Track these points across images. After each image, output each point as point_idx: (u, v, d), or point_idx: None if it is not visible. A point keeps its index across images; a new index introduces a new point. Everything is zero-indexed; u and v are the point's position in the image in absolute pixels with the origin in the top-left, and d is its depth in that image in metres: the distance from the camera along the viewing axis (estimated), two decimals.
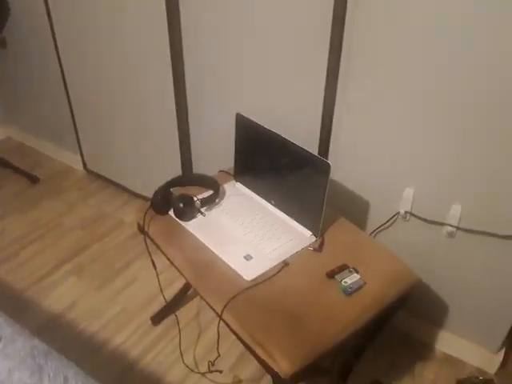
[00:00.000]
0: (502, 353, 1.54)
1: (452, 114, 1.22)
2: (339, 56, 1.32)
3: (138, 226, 1.41)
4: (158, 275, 1.44)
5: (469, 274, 1.43)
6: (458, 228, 1.36)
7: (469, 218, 1.33)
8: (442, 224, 1.38)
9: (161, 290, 1.53)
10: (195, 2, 1.53)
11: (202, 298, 1.22)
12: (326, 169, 1.19)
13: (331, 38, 1.30)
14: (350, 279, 1.17)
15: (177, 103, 1.79)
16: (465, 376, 1.54)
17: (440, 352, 1.63)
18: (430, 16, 1.14)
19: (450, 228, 1.36)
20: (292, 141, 1.26)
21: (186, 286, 1.74)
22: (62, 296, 1.82)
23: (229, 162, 1.52)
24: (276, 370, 1.02)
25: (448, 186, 1.32)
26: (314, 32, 1.33)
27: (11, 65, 2.39)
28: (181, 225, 1.34)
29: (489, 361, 1.55)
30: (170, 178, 1.43)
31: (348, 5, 1.24)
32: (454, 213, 1.33)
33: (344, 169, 1.49)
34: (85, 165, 2.44)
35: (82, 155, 2.41)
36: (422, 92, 1.24)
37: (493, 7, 1.05)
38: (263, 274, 1.19)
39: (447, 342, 1.61)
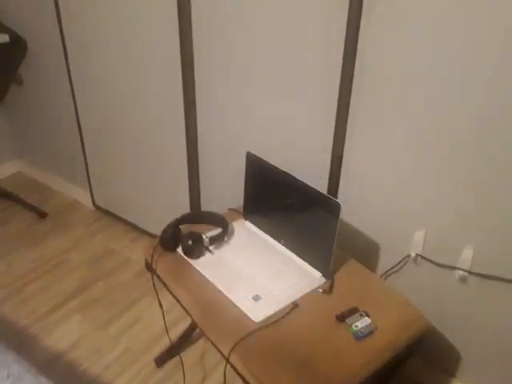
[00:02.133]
0: None
1: (465, 155, 1.23)
2: (349, 96, 1.35)
3: (146, 263, 1.41)
4: (163, 315, 1.42)
5: (482, 321, 1.40)
6: (469, 272, 1.34)
7: (481, 262, 1.32)
8: (453, 268, 1.37)
9: (166, 330, 1.51)
10: (207, 43, 1.59)
11: (208, 339, 1.20)
12: (337, 209, 1.20)
13: (341, 76, 1.34)
14: (361, 323, 1.15)
15: (188, 142, 1.83)
16: None
17: None
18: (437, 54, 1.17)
19: (461, 272, 1.35)
20: (302, 180, 1.28)
21: (192, 327, 1.72)
22: (64, 334, 1.79)
23: (238, 200, 1.53)
24: None
25: (460, 229, 1.32)
26: (325, 70, 1.37)
27: (26, 101, 2.47)
28: (189, 263, 1.34)
29: None
30: (178, 215, 1.44)
31: (358, 49, 1.28)
32: (466, 256, 1.32)
33: (354, 210, 1.49)
34: (93, 201, 2.46)
35: (91, 191, 2.44)
36: (435, 133, 1.25)
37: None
38: (272, 316, 1.17)
39: None
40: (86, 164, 2.35)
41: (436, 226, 1.36)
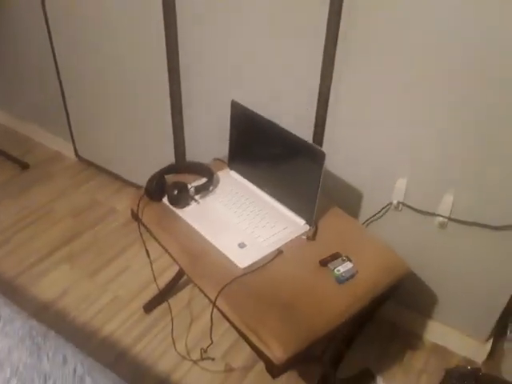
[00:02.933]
0: (490, 342, 1.57)
1: (443, 103, 1.24)
2: (335, 43, 1.32)
3: (132, 212, 1.41)
4: (151, 263, 1.44)
5: (459, 265, 1.45)
6: (449, 219, 1.38)
7: (460, 209, 1.35)
8: (433, 214, 1.40)
9: (154, 278, 1.54)
10: None
11: (195, 285, 1.23)
12: (321, 157, 1.20)
13: (327, 25, 1.30)
14: (343, 267, 1.19)
15: (171, 90, 1.79)
16: (453, 365, 1.57)
17: (429, 342, 1.66)
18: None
19: (441, 219, 1.39)
20: (287, 129, 1.27)
21: (179, 274, 1.75)
22: (53, 284, 1.82)
23: (223, 150, 1.52)
24: (269, 356, 1.04)
25: (440, 177, 1.34)
26: (311, 20, 1.34)
27: (2, 49, 2.36)
28: (175, 212, 1.34)
29: (477, 350, 1.59)
30: (163, 165, 1.43)
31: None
32: (446, 203, 1.35)
33: (338, 158, 1.50)
34: (76, 152, 2.42)
35: (73, 142, 2.39)
36: (418, 81, 1.25)
37: None
38: (257, 262, 1.20)
39: (436, 332, 1.64)
40: (68, 114, 2.29)
41: (417, 174, 1.38)
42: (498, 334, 1.56)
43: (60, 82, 2.19)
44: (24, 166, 2.40)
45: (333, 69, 1.37)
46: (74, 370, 0.87)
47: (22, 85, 2.43)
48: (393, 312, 1.66)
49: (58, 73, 2.16)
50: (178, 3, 1.57)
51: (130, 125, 2.06)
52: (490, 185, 1.27)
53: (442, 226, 1.41)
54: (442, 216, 1.38)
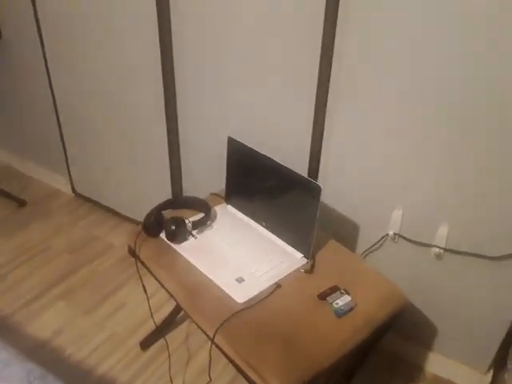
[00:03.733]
0: (490, 373, 1.55)
1: (438, 137, 1.27)
2: (328, 80, 1.36)
3: (129, 248, 1.41)
4: (148, 299, 1.43)
5: (456, 295, 1.45)
6: (445, 249, 1.39)
7: (456, 240, 1.36)
8: (429, 245, 1.41)
9: (151, 314, 1.53)
10: (185, 28, 1.57)
11: (193, 321, 1.22)
12: (317, 191, 1.22)
13: (320, 65, 1.35)
14: (342, 301, 1.18)
15: (168, 127, 1.82)
16: None
17: (430, 373, 1.64)
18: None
19: (437, 249, 1.39)
20: (283, 164, 1.29)
21: (176, 310, 1.74)
22: (49, 321, 1.79)
23: (220, 185, 1.54)
24: None
25: (435, 208, 1.36)
26: (304, 57, 1.38)
27: (0, 87, 2.40)
28: (172, 247, 1.35)
29: (478, 382, 1.57)
30: (160, 201, 1.44)
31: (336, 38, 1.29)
32: (441, 234, 1.36)
33: (334, 191, 1.52)
34: (73, 188, 2.43)
35: (70, 178, 2.41)
36: (410, 116, 1.28)
37: None
38: (255, 297, 1.20)
39: (437, 364, 1.62)
40: (65, 150, 2.31)
41: (413, 206, 1.40)
42: (499, 364, 1.54)
43: (58, 119, 2.22)
44: (21, 203, 2.40)
45: (325, 108, 1.40)
46: None
47: (19, 122, 2.46)
48: (394, 343, 1.65)
49: (56, 110, 2.20)
50: (175, 42, 1.62)
51: (127, 160, 2.08)
52: (484, 216, 1.29)
53: (438, 256, 1.41)
54: (437, 247, 1.39)
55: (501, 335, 1.44)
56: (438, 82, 1.20)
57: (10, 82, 2.33)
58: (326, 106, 1.40)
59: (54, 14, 1.90)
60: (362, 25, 1.24)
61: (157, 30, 1.62)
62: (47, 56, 2.05)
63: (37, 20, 1.97)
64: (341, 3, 1.24)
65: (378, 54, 1.25)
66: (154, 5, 1.57)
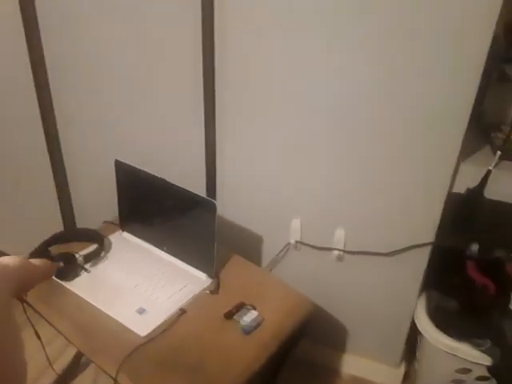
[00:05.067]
0: (403, 366, 1.65)
1: (323, 146, 1.34)
2: (213, 91, 1.38)
3: None
4: (43, 347, 1.33)
5: (360, 294, 1.53)
6: (344, 251, 1.46)
7: (353, 241, 1.44)
8: (329, 249, 1.48)
9: (49, 362, 1.42)
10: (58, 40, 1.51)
11: (94, 363, 1.16)
12: (212, 208, 1.22)
13: (203, 72, 1.36)
14: (248, 317, 1.19)
15: (50, 152, 1.71)
16: None
17: (347, 375, 1.71)
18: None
19: (336, 252, 1.46)
20: (175, 183, 1.28)
21: (79, 353, 1.63)
22: None
23: (115, 211, 1.48)
24: None
25: (329, 213, 1.43)
26: (188, 66, 1.39)
27: None
28: (64, 286, 1.27)
29: (392, 375, 1.66)
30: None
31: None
32: (339, 237, 1.44)
33: (233, 206, 1.53)
34: None
35: None
36: (299, 123, 1.34)
37: None
38: (159, 326, 1.16)
39: (351, 364, 1.69)
40: None
41: (309, 213, 1.46)
42: (409, 356, 1.65)
43: None
44: None
45: (215, 118, 1.42)
46: None
47: None
48: (308, 351, 1.69)
49: None
50: (46, 51, 1.55)
51: (8, 192, 1.94)
52: (372, 216, 1.38)
53: (339, 258, 1.48)
54: (337, 249, 1.46)
55: (405, 327, 1.54)
56: (315, 94, 1.27)
57: None
58: (214, 120, 1.42)
59: None
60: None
61: (27, 54, 1.53)
62: None
63: None
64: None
65: (259, 71, 1.30)
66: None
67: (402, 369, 1.66)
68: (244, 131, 1.41)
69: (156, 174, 1.31)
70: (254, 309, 1.22)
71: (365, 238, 1.42)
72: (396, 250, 1.39)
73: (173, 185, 1.29)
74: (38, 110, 1.63)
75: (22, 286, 0.33)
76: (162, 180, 1.30)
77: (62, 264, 1.25)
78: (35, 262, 0.36)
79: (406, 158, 1.27)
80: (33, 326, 1.27)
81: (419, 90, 1.17)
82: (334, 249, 1.46)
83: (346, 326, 1.62)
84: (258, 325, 1.19)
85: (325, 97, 1.27)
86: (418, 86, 1.17)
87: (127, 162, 1.37)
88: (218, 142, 1.46)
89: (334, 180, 1.37)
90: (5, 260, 0.33)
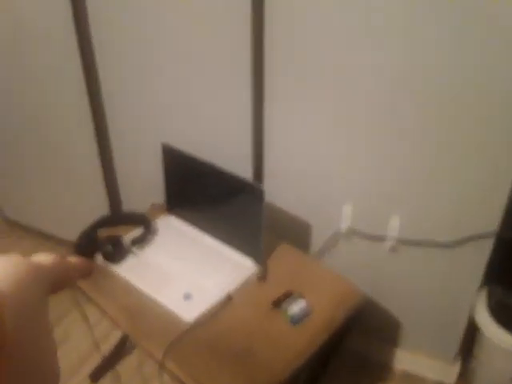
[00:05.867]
0: (458, 363, 1.59)
1: (382, 128, 1.28)
2: (262, 76, 1.35)
3: None
4: (91, 329, 1.37)
5: (414, 286, 1.47)
6: (398, 240, 1.40)
7: (408, 229, 1.38)
8: (382, 237, 1.42)
9: (96, 344, 1.46)
10: (108, 37, 1.52)
11: (140, 346, 1.17)
12: (260, 195, 1.20)
13: (253, 60, 1.33)
14: (297, 306, 1.17)
15: (97, 135, 1.74)
16: None
17: (398, 370, 1.66)
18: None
19: (390, 240, 1.41)
20: (223, 168, 1.26)
21: (125, 337, 1.67)
22: None
23: (161, 195, 1.49)
24: None
25: (384, 199, 1.37)
26: (236, 55, 1.36)
27: None
28: (111, 269, 1.28)
29: (447, 372, 1.59)
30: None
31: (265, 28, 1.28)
32: (393, 225, 1.38)
33: (281, 191, 1.50)
34: (2, 213, 2.30)
35: None
36: (351, 108, 1.29)
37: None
38: (206, 312, 1.16)
39: (404, 359, 1.64)
40: None
41: (362, 199, 1.41)
42: (466, 353, 1.58)
43: None
44: None
45: (262, 102, 1.39)
46: None
47: None
48: (358, 343, 1.65)
49: None
50: (99, 52, 1.56)
51: (58, 177, 1.99)
52: (433, 203, 1.31)
53: (393, 248, 1.43)
54: (391, 238, 1.40)
55: (463, 322, 1.47)
56: (375, 77, 1.21)
57: None
58: (263, 99, 1.39)
59: None
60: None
61: (76, 41, 1.55)
62: None
63: None
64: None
65: (313, 55, 1.25)
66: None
67: (458, 366, 1.59)
68: (293, 116, 1.37)
69: (204, 159, 1.30)
70: (303, 298, 1.19)
71: (421, 227, 1.35)
72: (455, 241, 1.32)
73: (220, 169, 1.27)
74: (86, 97, 1.65)
75: (57, 285, 0.33)
76: (210, 164, 1.29)
77: (109, 247, 1.26)
78: (72, 260, 0.35)
79: (470, 142, 1.20)
80: (82, 309, 1.30)
81: (494, 73, 1.09)
82: (388, 237, 1.41)
83: (398, 319, 1.57)
84: (307, 314, 1.16)
85: (380, 80, 1.21)
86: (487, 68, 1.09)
87: (174, 146, 1.37)
88: (265, 127, 1.43)
89: (391, 163, 1.31)
90: (39, 258, 0.32)
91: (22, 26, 1.66)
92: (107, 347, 1.66)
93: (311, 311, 1.17)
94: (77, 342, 1.75)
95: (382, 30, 1.15)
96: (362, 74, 1.23)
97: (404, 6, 1.11)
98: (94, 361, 1.66)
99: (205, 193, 1.37)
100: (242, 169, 1.50)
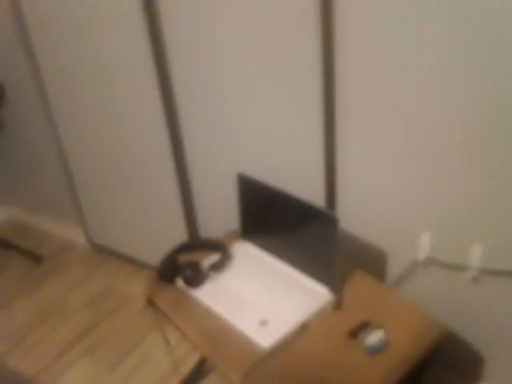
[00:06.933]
0: None
1: (461, 154, 1.26)
2: (333, 102, 1.38)
3: (147, 298, 1.43)
4: (171, 350, 1.44)
5: (501, 320, 1.40)
6: (481, 270, 1.35)
7: (491, 258, 1.33)
8: (463, 267, 1.38)
9: (176, 366, 1.52)
10: (184, 63, 1.63)
11: (217, 370, 1.22)
12: (334, 223, 1.22)
13: (324, 89, 1.37)
14: (374, 337, 1.16)
15: (177, 166, 1.85)
16: None
17: None
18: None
19: (472, 270, 1.36)
20: (296, 195, 1.30)
21: (203, 359, 1.73)
22: (73, 380, 1.80)
23: (235, 221, 1.55)
24: None
25: (465, 227, 1.33)
26: (306, 80, 1.41)
27: (8, 144, 2.51)
28: (190, 293, 1.35)
29: None
30: (176, 243, 1.46)
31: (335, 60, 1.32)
32: (475, 254, 1.33)
33: (355, 218, 1.51)
34: (88, 238, 2.49)
35: (85, 229, 2.46)
36: (429, 131, 1.28)
37: None
38: (281, 339, 1.19)
39: None
40: (78, 200, 2.38)
41: (441, 227, 1.38)
42: None
43: (69, 172, 2.30)
44: (37, 259, 2.46)
45: (334, 129, 1.42)
46: None
47: (28, 177, 2.55)
48: (440, 378, 1.59)
49: (66, 162, 2.27)
50: (177, 82, 1.68)
51: (140, 205, 2.13)
52: None
53: (475, 278, 1.38)
54: (472, 267, 1.36)
55: None
56: (450, 93, 1.20)
57: (17, 140, 2.44)
58: (333, 131, 1.42)
59: (55, 64, 2.00)
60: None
61: (154, 73, 1.68)
62: (54, 113, 2.15)
63: (38, 71, 2.07)
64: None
65: (386, 80, 1.27)
66: (148, 49, 1.64)
67: None
68: (366, 141, 1.39)
69: (278, 187, 1.34)
70: (380, 328, 1.19)
71: (506, 256, 1.30)
72: None
73: (294, 197, 1.31)
74: (166, 130, 1.76)
75: None
76: (284, 192, 1.33)
77: (189, 272, 1.33)
78: None
79: None
80: (162, 331, 1.38)
81: None
82: (469, 267, 1.36)
83: (481, 352, 1.50)
84: (385, 346, 1.15)
85: (458, 100, 1.20)
86: None
87: (249, 175, 1.43)
88: (338, 153, 1.45)
89: (472, 189, 1.28)
90: None
91: (104, 69, 1.82)
92: (187, 367, 1.73)
93: (389, 343, 1.16)
94: (157, 362, 1.84)
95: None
96: (447, 97, 1.22)
97: (481, 48, 1.10)
98: (175, 381, 1.73)
99: (279, 220, 1.41)
100: (316, 195, 1.53)
